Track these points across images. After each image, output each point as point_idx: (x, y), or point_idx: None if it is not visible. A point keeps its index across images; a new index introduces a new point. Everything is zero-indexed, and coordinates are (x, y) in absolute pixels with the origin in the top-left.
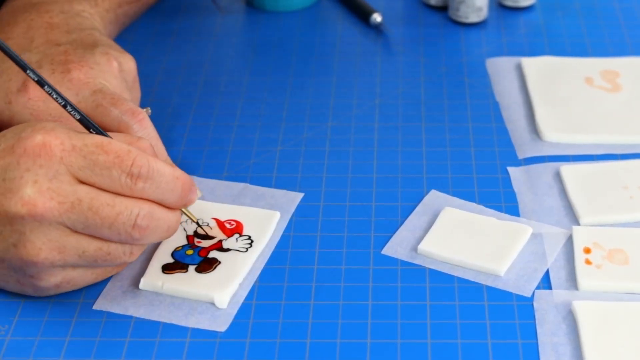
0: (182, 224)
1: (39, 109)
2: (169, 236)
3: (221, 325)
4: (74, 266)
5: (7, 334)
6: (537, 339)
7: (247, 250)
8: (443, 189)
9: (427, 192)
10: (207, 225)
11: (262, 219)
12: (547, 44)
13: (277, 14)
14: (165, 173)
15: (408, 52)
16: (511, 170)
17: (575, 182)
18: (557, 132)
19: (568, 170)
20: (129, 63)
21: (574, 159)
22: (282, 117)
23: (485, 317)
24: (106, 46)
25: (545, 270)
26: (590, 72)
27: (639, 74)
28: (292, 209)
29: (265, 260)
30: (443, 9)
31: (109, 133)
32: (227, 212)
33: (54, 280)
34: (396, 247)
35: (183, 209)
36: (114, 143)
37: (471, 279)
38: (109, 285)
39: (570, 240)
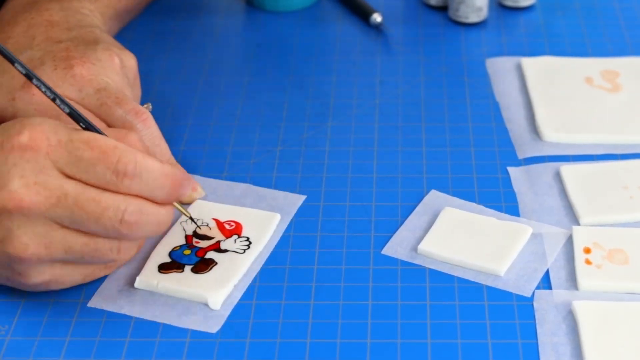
0: (182, 223)
1: (42, 104)
2: (161, 231)
3: (213, 327)
4: (62, 263)
5: (7, 334)
6: (537, 339)
7: (244, 251)
8: (443, 189)
9: (427, 192)
10: (207, 225)
11: (262, 221)
12: (547, 44)
13: (277, 14)
14: (154, 169)
15: (408, 52)
16: (511, 170)
17: (575, 182)
18: (557, 132)
19: (568, 170)
20: (130, 60)
21: (574, 159)
22: (282, 117)
23: (485, 317)
24: (107, 43)
25: (545, 270)
26: (590, 72)
27: (639, 74)
28: (294, 211)
29: (264, 261)
30: (443, 9)
31: (101, 129)
32: (228, 212)
33: (42, 278)
34: (396, 247)
35: (175, 204)
36: (101, 139)
37: (471, 279)
38: (105, 283)
39: (570, 240)
